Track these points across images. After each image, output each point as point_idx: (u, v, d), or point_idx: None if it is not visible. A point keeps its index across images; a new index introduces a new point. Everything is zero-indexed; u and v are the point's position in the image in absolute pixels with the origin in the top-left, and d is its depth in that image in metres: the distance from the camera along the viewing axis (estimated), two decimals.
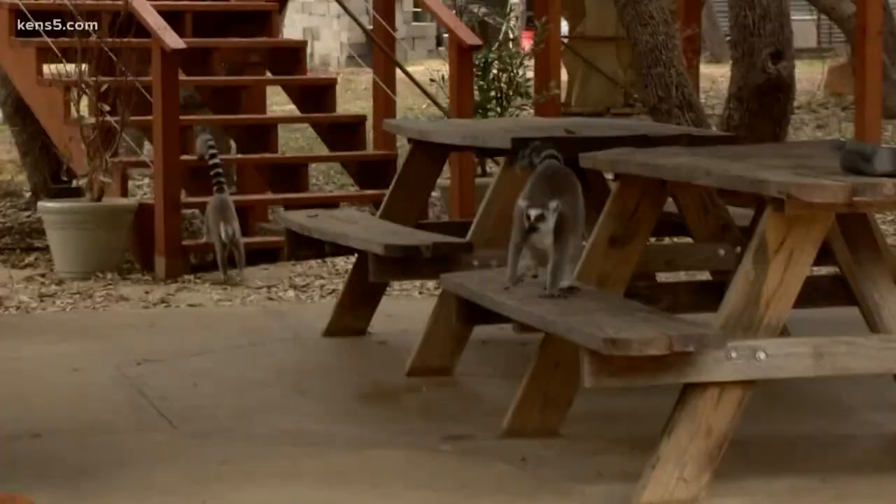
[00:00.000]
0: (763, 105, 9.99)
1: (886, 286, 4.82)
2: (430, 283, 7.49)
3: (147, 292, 8.81)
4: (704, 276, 6.13)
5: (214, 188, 8.45)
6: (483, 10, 19.46)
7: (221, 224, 8.29)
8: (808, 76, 18.68)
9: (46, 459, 5.06)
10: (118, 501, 4.38)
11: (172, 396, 6.06)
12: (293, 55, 11.46)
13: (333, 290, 8.29)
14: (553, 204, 4.40)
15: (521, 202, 4.45)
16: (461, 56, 10.07)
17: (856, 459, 4.88)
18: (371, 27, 12.37)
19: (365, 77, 17.69)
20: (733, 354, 4.08)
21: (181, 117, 9.55)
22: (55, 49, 9.85)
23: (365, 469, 4.79)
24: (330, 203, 9.83)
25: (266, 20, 11.32)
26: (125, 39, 9.37)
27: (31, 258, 10.07)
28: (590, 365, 4.03)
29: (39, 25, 9.99)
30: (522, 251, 4.58)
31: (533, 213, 4.40)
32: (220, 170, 8.52)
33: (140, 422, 5.70)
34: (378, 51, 11.45)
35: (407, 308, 7.69)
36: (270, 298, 8.73)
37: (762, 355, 4.12)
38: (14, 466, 4.79)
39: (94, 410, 5.84)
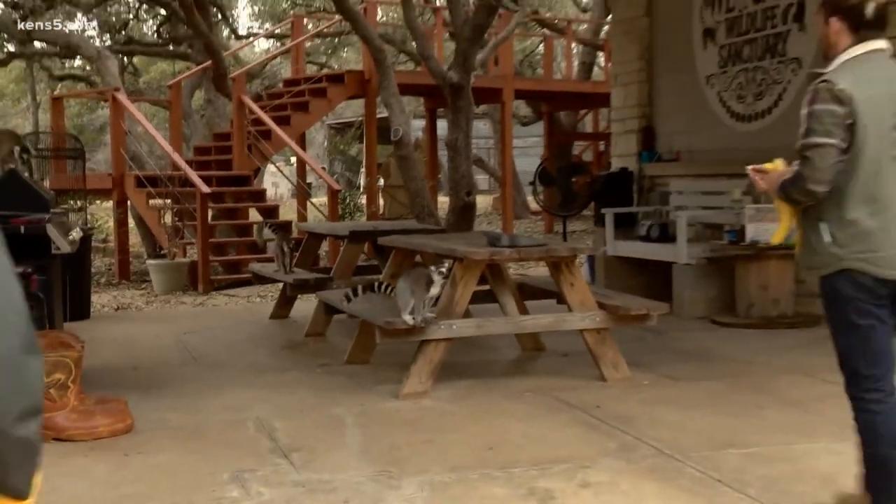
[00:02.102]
0: (462, 215, 12.74)
1: (508, 295, 7.70)
2: (313, 295, 9.36)
3: (194, 300, 12.89)
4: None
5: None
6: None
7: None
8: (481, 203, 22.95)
9: (136, 378, 7.65)
10: (169, 396, 6.99)
11: (199, 347, 9.08)
12: (260, 194, 16.80)
13: (275, 298, 11.20)
14: (444, 268, 6.57)
15: (429, 269, 6.56)
16: (332, 194, 15.19)
17: (501, 369, 7.80)
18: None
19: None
20: (442, 326, 6.62)
21: (209, 223, 14.24)
22: (154, 193, 14.88)
23: (282, 381, 7.44)
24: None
25: (250, 179, 16.73)
26: (184, 188, 14.47)
27: (144, 286, 14.32)
28: (379, 332, 6.74)
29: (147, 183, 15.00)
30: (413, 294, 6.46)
31: (437, 277, 6.46)
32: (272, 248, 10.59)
33: (182, 360, 8.60)
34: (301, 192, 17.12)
35: (305, 306, 10.21)
36: (249, 302, 12.53)
37: (454, 327, 6.78)
38: (119, 385, 7.24)
39: (162, 355, 8.74)
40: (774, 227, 4.45)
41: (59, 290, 7.69)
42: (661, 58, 12.18)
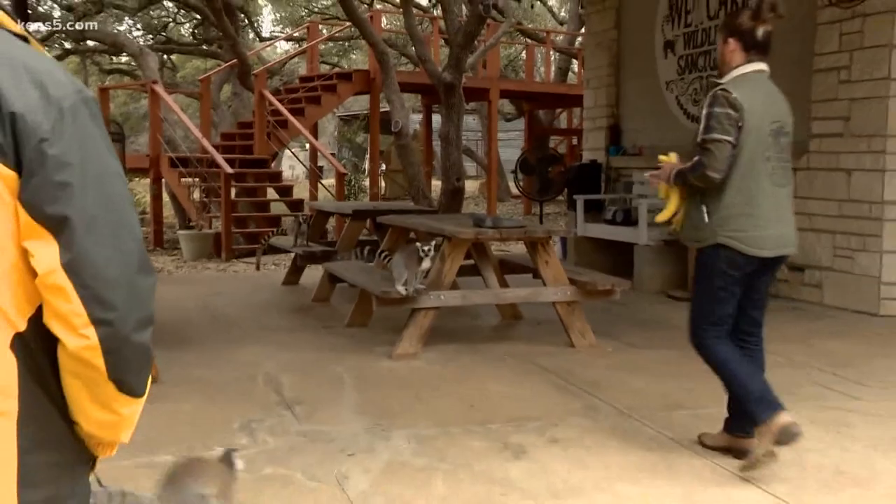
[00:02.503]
0: (453, 198, 12.12)
1: (490, 271, 7.67)
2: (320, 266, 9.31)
3: (217, 266, 12.80)
4: None
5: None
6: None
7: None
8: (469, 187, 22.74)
9: (163, 335, 7.25)
10: (191, 351, 6.87)
11: (219, 308, 8.94)
12: (277, 175, 16.76)
13: (287, 266, 11.01)
14: (430, 246, 6.45)
15: (418, 246, 6.45)
16: (339, 176, 14.95)
17: (484, 334, 7.58)
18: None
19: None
20: (431, 296, 6.59)
21: (232, 199, 13.89)
22: (185, 172, 14.81)
23: (290, 341, 7.28)
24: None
25: (269, 162, 16.72)
26: (211, 168, 14.14)
27: (175, 253, 14.12)
28: (375, 300, 6.67)
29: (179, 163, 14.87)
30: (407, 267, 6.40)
31: (424, 253, 6.38)
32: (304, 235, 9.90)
33: (203, 319, 8.46)
34: (312, 174, 16.95)
35: (313, 274, 10.12)
36: (266, 269, 12.22)
37: (442, 297, 6.71)
38: None
39: (187, 315, 8.56)
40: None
41: None
42: (628, 65, 12.21)
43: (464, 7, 17.03)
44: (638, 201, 10.33)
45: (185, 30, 28.95)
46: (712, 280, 4.32)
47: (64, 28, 21.34)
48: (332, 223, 13.82)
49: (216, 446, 4.56)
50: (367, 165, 24.51)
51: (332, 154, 19.62)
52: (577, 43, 24.31)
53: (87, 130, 1.54)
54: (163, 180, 15.41)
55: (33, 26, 20.85)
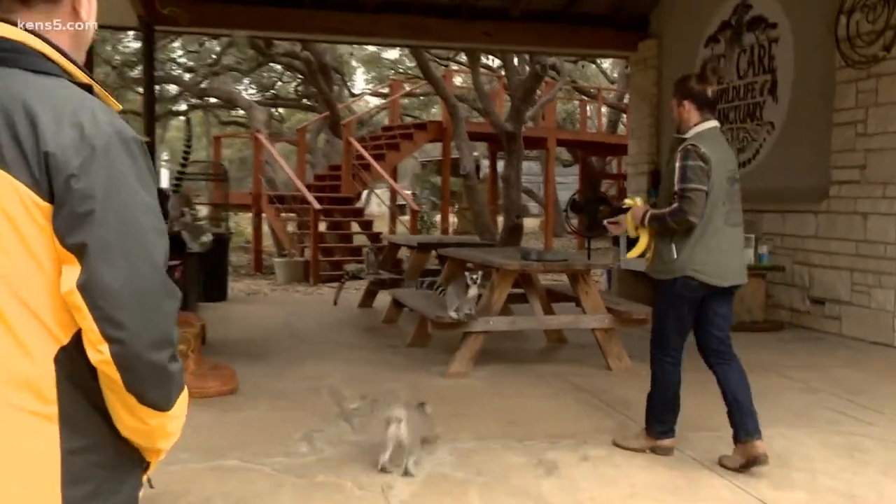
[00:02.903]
0: (512, 233, 12.47)
1: (536, 299, 7.27)
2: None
3: (305, 290, 12.51)
4: None
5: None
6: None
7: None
8: (530, 224, 22.64)
9: (248, 348, 7.32)
10: (269, 364, 6.59)
11: (298, 326, 8.65)
12: (360, 211, 16.58)
13: (361, 291, 10.56)
14: (478, 275, 6.15)
15: (466, 277, 6.12)
16: (413, 213, 14.76)
17: (530, 356, 7.03)
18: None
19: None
20: (481, 321, 6.23)
21: (320, 231, 13.65)
22: (281, 208, 14.69)
23: (356, 357, 6.97)
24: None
25: (353, 199, 16.47)
26: (302, 205, 13.96)
27: (271, 277, 13.84)
28: (431, 324, 6.54)
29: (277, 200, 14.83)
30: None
31: (471, 282, 6.04)
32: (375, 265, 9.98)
33: (283, 335, 8.15)
34: (392, 211, 16.98)
35: (385, 298, 9.36)
36: (346, 292, 11.25)
37: (491, 322, 6.34)
38: (235, 352, 6.92)
39: (271, 331, 8.28)
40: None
41: (195, 280, 7.28)
42: (666, 118, 11.81)
43: (526, 67, 16.96)
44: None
45: (290, 87, 29.13)
46: (677, 308, 4.30)
47: (189, 87, 21.89)
48: (405, 253, 13.55)
49: (278, 455, 4.36)
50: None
51: (414, 193, 19.40)
52: (625, 99, 23.91)
53: (117, 166, 1.50)
54: (262, 215, 15.33)
55: (168, 86, 21.64)
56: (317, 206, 13.35)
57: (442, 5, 11.00)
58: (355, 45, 24.82)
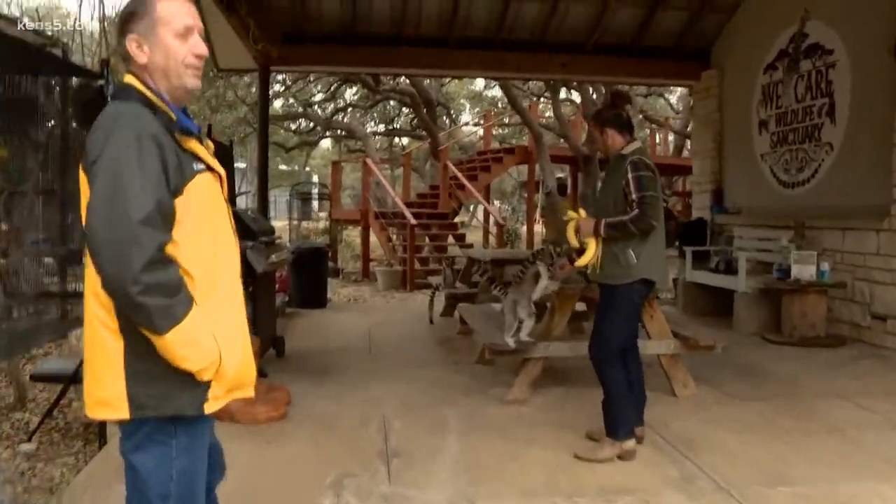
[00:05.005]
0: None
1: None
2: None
3: (402, 296, 11.08)
4: None
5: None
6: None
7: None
8: None
9: (318, 362, 5.99)
10: (330, 383, 5.28)
11: (376, 339, 7.24)
12: (454, 225, 14.59)
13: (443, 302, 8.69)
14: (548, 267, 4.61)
15: (538, 266, 4.62)
16: (499, 227, 13.36)
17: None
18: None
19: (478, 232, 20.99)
20: (541, 347, 4.87)
21: (416, 244, 12.31)
22: (385, 223, 13.46)
23: (419, 376, 5.60)
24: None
25: (450, 215, 14.79)
26: (404, 220, 12.47)
27: (375, 284, 12.45)
28: (487, 350, 5.09)
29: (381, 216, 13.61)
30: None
31: (544, 270, 4.57)
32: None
33: (359, 348, 6.75)
34: (485, 227, 15.79)
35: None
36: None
37: (550, 348, 4.91)
38: (304, 367, 5.77)
39: (349, 343, 6.98)
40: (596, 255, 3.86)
41: (267, 301, 6.14)
42: (728, 141, 10.35)
43: (604, 96, 15.59)
44: (738, 253, 8.36)
45: (406, 120, 28.34)
46: (630, 310, 3.81)
47: (318, 120, 21.40)
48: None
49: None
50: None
51: (512, 209, 18.16)
52: (689, 126, 22.07)
53: (118, 145, 1.63)
54: (369, 228, 14.20)
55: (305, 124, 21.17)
56: (413, 220, 12.16)
57: (523, 41, 9.87)
58: (465, 85, 23.70)
